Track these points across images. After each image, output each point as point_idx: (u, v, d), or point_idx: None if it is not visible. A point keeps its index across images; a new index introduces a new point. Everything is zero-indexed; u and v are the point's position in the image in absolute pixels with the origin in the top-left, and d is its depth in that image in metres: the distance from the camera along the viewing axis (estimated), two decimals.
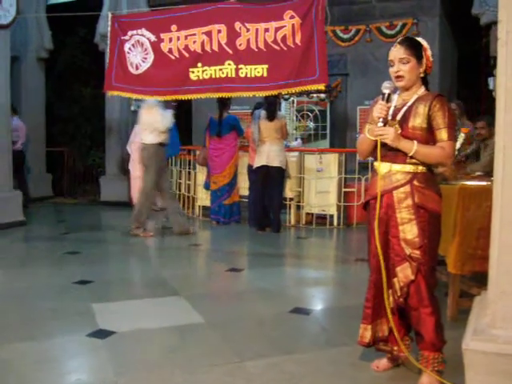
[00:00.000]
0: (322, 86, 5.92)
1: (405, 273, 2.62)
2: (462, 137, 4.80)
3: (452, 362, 2.69)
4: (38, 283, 4.61)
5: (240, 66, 6.05)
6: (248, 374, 2.79)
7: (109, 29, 6.72)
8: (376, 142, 2.68)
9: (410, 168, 2.64)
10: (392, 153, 2.66)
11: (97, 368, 2.89)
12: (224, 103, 7.57)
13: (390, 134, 2.59)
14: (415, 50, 2.67)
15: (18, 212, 7.55)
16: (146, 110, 6.70)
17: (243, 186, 8.07)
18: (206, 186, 8.16)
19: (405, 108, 2.69)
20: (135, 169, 9.49)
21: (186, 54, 6.26)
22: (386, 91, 2.67)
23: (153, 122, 6.61)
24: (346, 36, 10.33)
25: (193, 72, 6.24)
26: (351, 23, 10.25)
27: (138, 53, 6.50)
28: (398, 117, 2.68)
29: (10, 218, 7.32)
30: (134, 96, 7.01)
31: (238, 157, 8.00)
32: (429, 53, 2.74)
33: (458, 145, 4.72)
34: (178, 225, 7.01)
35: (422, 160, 2.61)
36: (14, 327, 3.49)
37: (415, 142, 2.59)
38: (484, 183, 3.63)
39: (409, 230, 2.62)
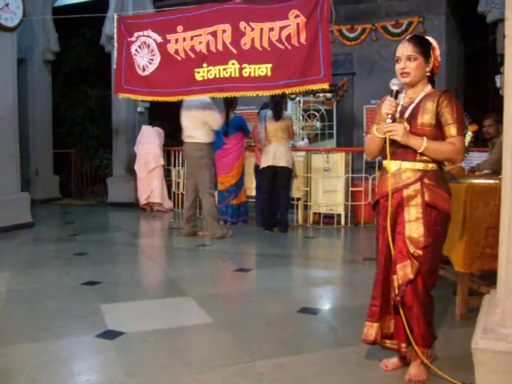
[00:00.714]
0: (326, 86, 5.89)
1: (404, 271, 2.61)
2: (469, 135, 4.76)
3: (462, 360, 2.69)
4: (47, 284, 4.62)
5: (244, 66, 6.03)
6: (257, 373, 2.79)
7: (115, 30, 6.72)
8: (385, 140, 2.67)
9: (420, 166, 2.63)
10: (402, 150, 2.65)
11: (106, 369, 2.90)
12: (230, 103, 7.57)
13: (399, 131, 2.58)
14: (423, 48, 2.66)
15: (25, 214, 7.58)
16: (199, 108, 6.68)
17: (250, 186, 8.08)
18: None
19: (412, 105, 2.68)
20: (141, 170, 9.53)
21: (192, 55, 6.25)
22: (395, 88, 2.67)
23: (208, 120, 6.66)
24: (351, 35, 10.34)
25: (198, 72, 6.23)
26: (357, 22, 10.26)
27: (144, 54, 6.50)
28: (406, 114, 2.68)
29: (18, 220, 7.36)
30: (144, 98, 7.00)
31: (245, 157, 8.00)
32: (437, 52, 2.73)
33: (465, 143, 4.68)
34: (212, 227, 6.87)
35: (432, 156, 2.60)
36: (23, 328, 3.51)
37: (425, 138, 2.57)
38: (492, 181, 3.62)
39: (415, 229, 2.61)
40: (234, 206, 7.84)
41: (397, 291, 2.65)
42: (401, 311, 2.68)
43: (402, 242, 2.64)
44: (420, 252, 2.59)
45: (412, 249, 2.60)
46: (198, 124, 6.68)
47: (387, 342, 2.83)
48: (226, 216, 7.85)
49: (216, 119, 6.73)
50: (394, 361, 2.87)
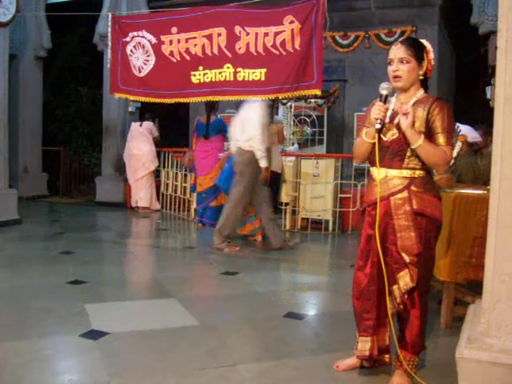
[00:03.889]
0: (318, 92, 5.91)
1: (405, 280, 2.59)
2: (458, 145, 4.78)
3: (445, 369, 2.69)
4: (32, 283, 4.59)
5: (238, 70, 6.04)
6: (241, 377, 2.79)
7: (109, 29, 6.70)
8: (373, 145, 2.65)
9: (407, 173, 2.60)
10: (388, 158, 2.62)
11: (89, 369, 2.88)
12: (211, 106, 7.52)
13: (410, 116, 2.51)
14: (416, 50, 2.63)
15: (13, 210, 7.53)
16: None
17: None
18: (192, 189, 8.19)
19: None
20: (130, 177, 9.46)
21: (188, 57, 6.26)
22: (384, 92, 2.64)
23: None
24: (344, 42, 10.34)
25: (194, 75, 6.25)
26: (350, 29, 10.27)
27: (139, 55, 6.49)
28: (396, 120, 2.62)
29: (4, 217, 7.30)
30: (140, 99, 6.95)
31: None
32: (431, 56, 2.70)
33: (454, 153, 4.70)
34: (275, 237, 6.39)
35: (422, 157, 2.55)
36: (6, 326, 3.47)
37: (422, 136, 2.52)
38: (479, 192, 3.64)
39: (407, 237, 2.59)
40: (213, 208, 7.73)
41: (398, 300, 2.63)
42: (390, 319, 2.69)
43: (396, 253, 2.62)
44: (415, 259, 2.57)
45: (406, 257, 2.58)
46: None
47: (386, 356, 2.80)
48: (202, 218, 7.80)
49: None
50: (347, 362, 2.88)
